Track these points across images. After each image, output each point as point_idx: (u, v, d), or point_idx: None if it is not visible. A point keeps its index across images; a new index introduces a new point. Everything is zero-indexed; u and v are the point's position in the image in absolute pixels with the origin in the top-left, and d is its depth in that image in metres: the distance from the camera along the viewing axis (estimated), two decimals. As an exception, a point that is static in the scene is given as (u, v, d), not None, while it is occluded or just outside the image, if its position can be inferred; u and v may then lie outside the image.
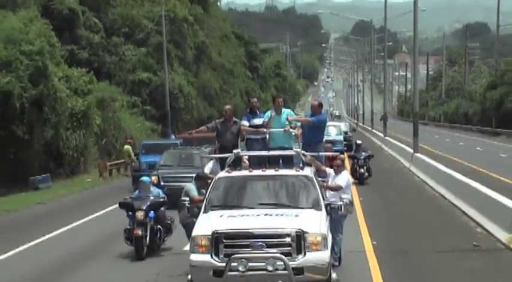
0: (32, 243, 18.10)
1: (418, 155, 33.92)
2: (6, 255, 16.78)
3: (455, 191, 22.92)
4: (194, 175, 21.35)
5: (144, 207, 15.88)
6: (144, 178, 16.91)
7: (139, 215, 15.77)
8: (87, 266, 15.32)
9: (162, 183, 23.14)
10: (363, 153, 28.83)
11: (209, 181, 13.13)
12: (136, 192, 16.77)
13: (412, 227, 18.82)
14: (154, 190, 16.68)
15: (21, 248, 17.48)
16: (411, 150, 35.66)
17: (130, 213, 16.04)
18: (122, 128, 42.13)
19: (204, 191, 13.59)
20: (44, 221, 21.60)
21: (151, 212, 16.02)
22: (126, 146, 33.88)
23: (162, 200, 16.35)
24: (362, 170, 28.49)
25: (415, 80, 35.84)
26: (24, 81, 29.39)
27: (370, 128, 75.44)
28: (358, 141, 30.89)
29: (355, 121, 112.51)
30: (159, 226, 16.23)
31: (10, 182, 29.66)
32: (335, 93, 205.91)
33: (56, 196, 26.54)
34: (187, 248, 12.92)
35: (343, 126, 53.27)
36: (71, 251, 17.07)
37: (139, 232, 15.58)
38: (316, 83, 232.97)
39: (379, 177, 29.91)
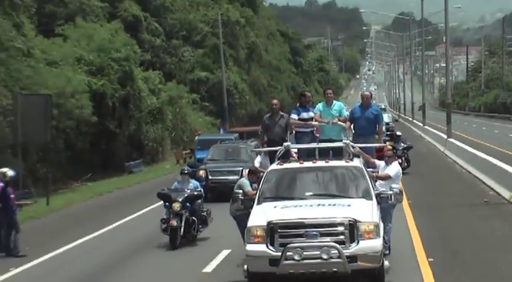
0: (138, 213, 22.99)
1: (451, 140, 39.49)
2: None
3: (478, 167, 28.60)
4: (241, 168, 23.53)
5: (181, 199, 16.61)
6: (185, 170, 17.73)
7: (176, 206, 16.51)
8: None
9: (209, 177, 24.26)
10: (402, 144, 30.26)
11: (260, 174, 13.61)
12: (176, 183, 17.46)
13: (439, 192, 24.51)
14: (192, 183, 17.38)
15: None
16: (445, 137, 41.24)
17: (167, 204, 16.81)
18: (188, 122, 48.22)
19: (256, 185, 13.88)
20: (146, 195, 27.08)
21: (187, 204, 16.74)
22: (197, 137, 39.80)
23: (198, 193, 17.14)
24: (400, 161, 30.70)
25: (446, 72, 41.41)
26: (115, 83, 35.52)
27: (410, 119, 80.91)
28: (398, 133, 32.53)
29: (397, 112, 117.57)
30: (193, 218, 16.91)
31: (103, 169, 35.74)
32: (377, 86, 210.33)
33: (149, 178, 32.69)
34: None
35: (386, 117, 58.56)
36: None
37: (174, 223, 16.32)
38: (358, 76, 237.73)
39: (417, 159, 35.33)
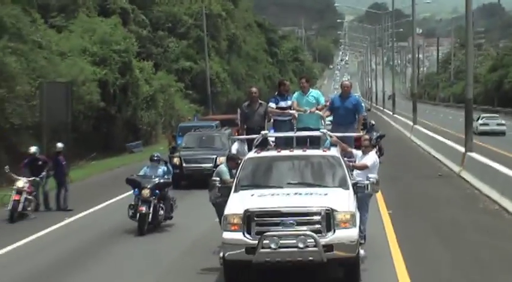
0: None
1: (416, 126, 44.60)
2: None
3: (436, 148, 33.78)
4: (215, 156, 24.37)
5: (150, 186, 16.92)
6: (155, 156, 17.94)
7: (145, 192, 16.81)
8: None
9: (183, 165, 24.72)
10: (375, 133, 30.77)
11: (239, 162, 13.76)
12: (145, 168, 17.78)
13: (403, 169, 29.41)
14: (161, 169, 17.65)
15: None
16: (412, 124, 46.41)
17: (136, 190, 17.14)
18: (175, 109, 52.85)
19: (235, 172, 13.97)
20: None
21: (156, 191, 17.02)
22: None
23: (167, 180, 17.44)
24: (374, 150, 35.41)
25: (413, 64, 46.41)
26: (116, 73, 40.05)
27: (382, 108, 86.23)
28: (372, 122, 33.65)
29: (369, 102, 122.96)
30: (162, 205, 17.24)
31: (104, 150, 40.26)
32: (350, 76, 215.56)
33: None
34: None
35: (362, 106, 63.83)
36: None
37: (143, 209, 16.66)
38: (331, 66, 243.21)
39: (385, 143, 40.06)
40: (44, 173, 20.84)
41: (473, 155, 25.48)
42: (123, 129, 43.14)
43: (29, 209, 20.19)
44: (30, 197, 20.29)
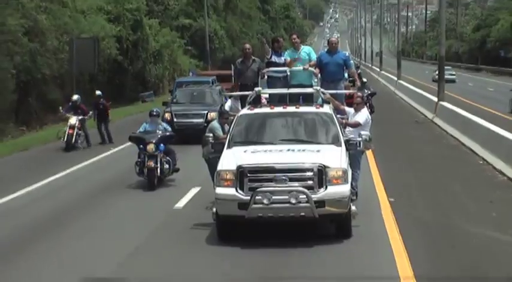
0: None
1: (400, 81, 49.74)
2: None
3: (415, 100, 39.06)
4: (206, 112, 24.77)
5: (155, 141, 17.24)
6: (154, 112, 18.24)
7: (151, 147, 17.11)
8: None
9: (174, 120, 24.88)
10: (366, 91, 30.67)
11: (231, 118, 14.03)
12: (144, 124, 18.13)
13: (385, 117, 34.42)
14: (162, 124, 18.22)
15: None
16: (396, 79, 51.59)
17: (141, 146, 17.43)
18: (178, 64, 57.71)
19: (227, 127, 14.26)
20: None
21: (161, 145, 17.34)
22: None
23: (170, 133, 17.90)
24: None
25: (398, 24, 51.24)
26: (128, 29, 44.82)
27: (370, 65, 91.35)
28: (364, 80, 34.16)
29: (358, 59, 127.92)
30: (168, 158, 17.58)
31: (117, 100, 45.15)
32: (340, 34, 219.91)
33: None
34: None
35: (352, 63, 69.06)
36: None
37: (151, 164, 16.98)
38: (321, 24, 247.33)
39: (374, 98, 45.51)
40: (90, 113, 25.78)
41: (444, 103, 30.60)
42: (133, 81, 48.00)
43: (79, 141, 25.04)
44: (80, 132, 25.19)
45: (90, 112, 26.12)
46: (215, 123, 14.88)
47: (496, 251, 11.48)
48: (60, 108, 26.20)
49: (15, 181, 18.93)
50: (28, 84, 34.77)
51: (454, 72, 70.86)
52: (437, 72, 55.83)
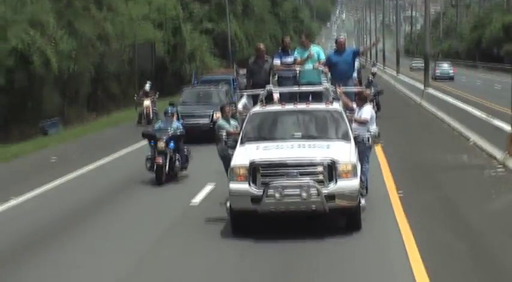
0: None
1: (399, 76, 59.82)
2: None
3: (409, 89, 49.06)
4: (211, 112, 25.79)
5: (165, 138, 18.01)
6: (168, 110, 19.29)
7: (161, 145, 17.90)
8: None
9: (180, 121, 24.30)
10: (373, 89, 31.84)
11: (245, 115, 14.61)
12: (159, 123, 19.09)
13: (384, 103, 44.40)
14: (175, 123, 19.00)
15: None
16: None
17: (152, 142, 18.21)
18: (206, 63, 67.68)
19: (233, 122, 15.41)
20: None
21: (171, 142, 18.11)
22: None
23: (181, 132, 18.61)
24: (372, 105, 34.11)
25: (396, 25, 61.17)
26: (169, 34, 54.76)
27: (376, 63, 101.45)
28: (371, 78, 34.48)
29: (364, 58, 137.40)
30: (178, 156, 18.36)
31: (161, 93, 54.97)
32: (347, 34, 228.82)
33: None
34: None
35: (357, 64, 78.80)
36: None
37: (160, 160, 17.71)
38: (328, 25, 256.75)
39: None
40: (157, 94, 35.55)
41: (429, 90, 40.56)
42: (172, 77, 58.00)
43: (152, 117, 33.94)
44: (155, 109, 34.75)
45: (157, 94, 35.89)
46: (221, 121, 15.76)
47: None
48: (135, 96, 36.00)
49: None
50: (97, 80, 44.67)
51: (452, 70, 74.13)
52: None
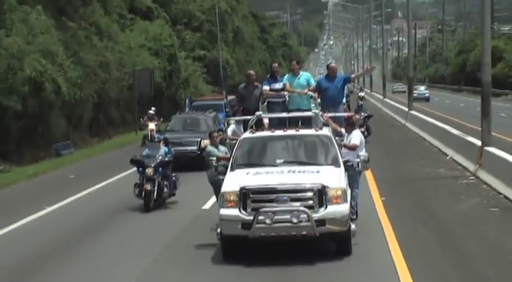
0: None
1: (385, 99, 62.90)
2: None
3: (393, 111, 52.06)
4: (199, 139, 26.10)
5: (153, 165, 18.38)
6: (156, 138, 20.26)
7: (149, 171, 18.27)
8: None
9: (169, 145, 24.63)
10: (363, 114, 32.83)
11: (234, 142, 14.96)
12: (147, 150, 19.50)
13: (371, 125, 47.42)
14: (163, 149, 19.33)
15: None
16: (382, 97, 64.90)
17: (140, 169, 18.63)
18: (198, 89, 70.63)
19: (222, 148, 15.79)
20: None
21: (160, 169, 18.45)
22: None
23: (169, 158, 18.99)
24: (362, 129, 29.99)
25: (383, 52, 64.38)
26: (165, 62, 57.69)
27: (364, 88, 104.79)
28: (360, 103, 37.17)
29: (352, 83, 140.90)
30: (166, 182, 18.69)
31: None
32: (334, 60, 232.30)
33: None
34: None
35: (345, 89, 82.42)
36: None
37: (148, 187, 18.04)
38: (316, 50, 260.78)
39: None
40: (161, 119, 38.40)
41: (412, 112, 43.58)
42: (167, 102, 60.87)
43: (156, 140, 37.06)
44: (157, 134, 37.59)
45: (161, 119, 38.73)
46: (210, 147, 16.12)
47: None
48: (140, 119, 38.84)
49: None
50: (98, 105, 47.45)
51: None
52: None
